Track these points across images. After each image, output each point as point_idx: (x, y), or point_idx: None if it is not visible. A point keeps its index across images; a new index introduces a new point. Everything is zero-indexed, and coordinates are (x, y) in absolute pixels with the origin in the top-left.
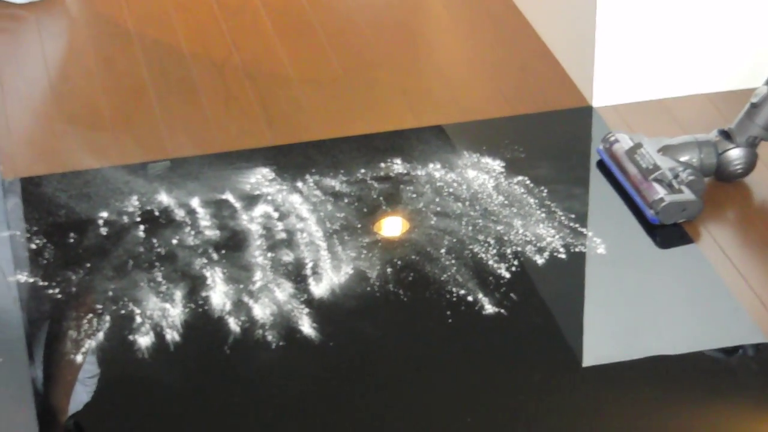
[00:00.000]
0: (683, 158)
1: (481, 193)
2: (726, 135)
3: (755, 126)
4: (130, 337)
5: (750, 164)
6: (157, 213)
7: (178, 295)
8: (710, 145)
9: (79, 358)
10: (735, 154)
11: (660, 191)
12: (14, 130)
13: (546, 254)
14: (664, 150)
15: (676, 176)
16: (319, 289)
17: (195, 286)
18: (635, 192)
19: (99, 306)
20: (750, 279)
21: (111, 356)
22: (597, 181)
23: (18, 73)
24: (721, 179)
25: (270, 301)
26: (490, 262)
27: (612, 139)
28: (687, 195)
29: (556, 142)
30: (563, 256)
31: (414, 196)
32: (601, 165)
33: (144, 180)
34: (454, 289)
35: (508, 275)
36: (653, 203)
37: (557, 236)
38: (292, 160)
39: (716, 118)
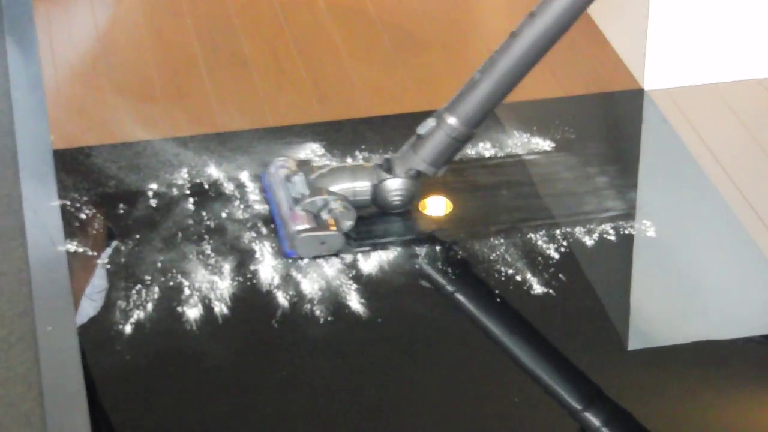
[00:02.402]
0: (337, 187)
1: (531, 174)
2: (388, 164)
3: (417, 158)
4: (179, 309)
5: (409, 196)
6: (206, 186)
7: (227, 268)
8: (365, 174)
9: (127, 328)
10: (392, 185)
11: (299, 223)
12: (65, 100)
13: (595, 236)
14: (321, 177)
15: (325, 206)
16: (368, 265)
17: (244, 259)
18: (281, 222)
19: (148, 277)
20: None
21: (159, 327)
22: (647, 165)
23: (69, 44)
24: (381, 209)
25: (318, 276)
26: (539, 243)
27: (279, 164)
28: (326, 228)
29: (606, 124)
30: (612, 237)
31: (463, 175)
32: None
33: (194, 153)
34: (502, 269)
35: (557, 256)
36: (290, 236)
37: (607, 218)
38: (342, 136)
39: None
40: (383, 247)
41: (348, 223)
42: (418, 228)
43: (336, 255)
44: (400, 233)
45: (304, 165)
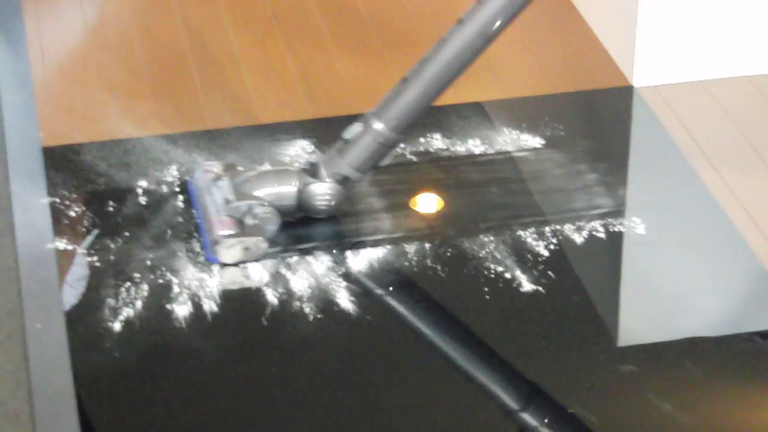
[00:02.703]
0: (262, 191)
1: (520, 171)
2: (313, 168)
3: (343, 163)
4: (168, 307)
5: (334, 200)
6: None
7: (216, 265)
8: (290, 178)
9: (117, 325)
10: (318, 190)
11: (222, 229)
12: (54, 97)
13: (584, 233)
14: (246, 182)
15: (249, 211)
16: (357, 262)
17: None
18: (205, 227)
19: (137, 274)
20: None
21: (148, 325)
22: (637, 162)
23: (58, 41)
24: (307, 214)
25: (308, 274)
26: (529, 240)
27: (205, 168)
28: (249, 234)
29: (595, 121)
30: (602, 235)
31: (453, 172)
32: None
33: (183, 150)
34: (492, 266)
35: (546, 253)
36: (212, 242)
37: (596, 215)
38: (331, 134)
39: (758, 101)
40: (372, 245)
41: (272, 229)
42: (407, 225)
43: (259, 260)
44: (327, 237)
45: (230, 170)
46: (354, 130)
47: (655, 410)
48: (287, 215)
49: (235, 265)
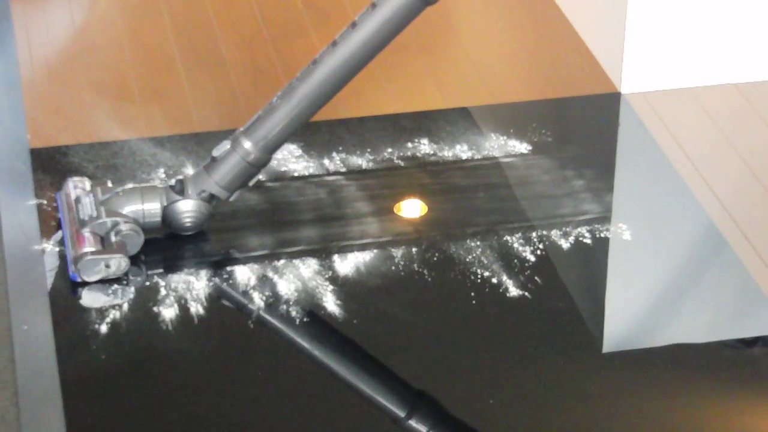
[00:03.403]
0: (127, 208)
1: (507, 176)
2: (180, 185)
3: (210, 181)
4: (155, 309)
5: (201, 218)
6: None
7: (203, 268)
8: (155, 195)
9: (103, 327)
10: (183, 207)
11: (84, 246)
12: (42, 99)
13: (571, 239)
14: (111, 199)
15: (113, 228)
16: (344, 266)
17: (220, 259)
18: (69, 243)
19: (123, 276)
20: None
21: (134, 327)
22: (623, 168)
23: (47, 42)
24: (173, 231)
25: (294, 277)
26: (515, 245)
27: (72, 184)
28: (112, 251)
29: (583, 128)
30: (588, 241)
31: (440, 177)
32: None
33: (171, 153)
34: (478, 271)
35: (532, 258)
36: (74, 258)
37: (583, 221)
38: (318, 138)
39: (745, 109)
40: (359, 249)
41: (135, 246)
42: (394, 230)
43: (123, 278)
44: (314, 241)
45: (97, 186)
46: (222, 147)
47: (640, 417)
48: (153, 232)
49: (99, 282)
